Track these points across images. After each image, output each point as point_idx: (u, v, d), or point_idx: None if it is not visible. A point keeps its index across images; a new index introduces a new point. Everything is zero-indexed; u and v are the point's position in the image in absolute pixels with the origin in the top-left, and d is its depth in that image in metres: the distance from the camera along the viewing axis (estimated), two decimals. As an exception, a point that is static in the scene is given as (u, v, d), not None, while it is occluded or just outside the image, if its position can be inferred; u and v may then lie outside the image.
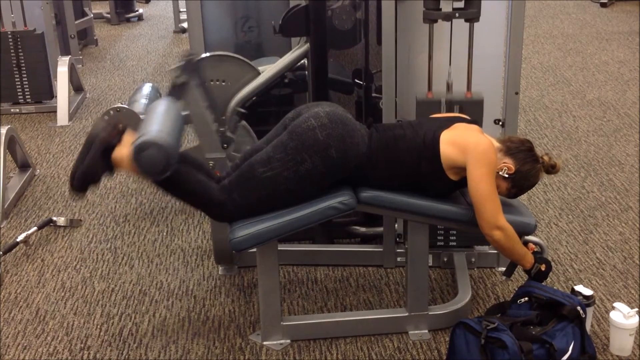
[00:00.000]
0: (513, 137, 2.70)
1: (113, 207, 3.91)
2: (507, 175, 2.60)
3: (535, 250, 2.74)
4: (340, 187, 2.62)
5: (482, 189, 2.51)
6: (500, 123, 3.08)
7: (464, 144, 2.55)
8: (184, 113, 2.88)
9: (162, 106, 2.74)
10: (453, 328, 2.51)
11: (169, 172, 2.48)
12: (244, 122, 3.28)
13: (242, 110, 3.22)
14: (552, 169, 2.66)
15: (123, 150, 2.51)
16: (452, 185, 2.62)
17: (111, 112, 3.68)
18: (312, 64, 3.27)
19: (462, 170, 2.56)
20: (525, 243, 2.74)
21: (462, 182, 2.59)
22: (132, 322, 2.92)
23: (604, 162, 4.28)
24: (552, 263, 2.88)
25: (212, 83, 3.42)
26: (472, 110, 2.90)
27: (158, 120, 2.60)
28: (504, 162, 2.60)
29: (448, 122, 2.65)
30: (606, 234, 3.50)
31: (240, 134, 3.25)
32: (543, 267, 2.66)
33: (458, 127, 2.63)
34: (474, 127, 2.66)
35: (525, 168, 2.61)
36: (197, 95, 3.07)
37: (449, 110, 2.92)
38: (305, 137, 2.52)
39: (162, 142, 2.44)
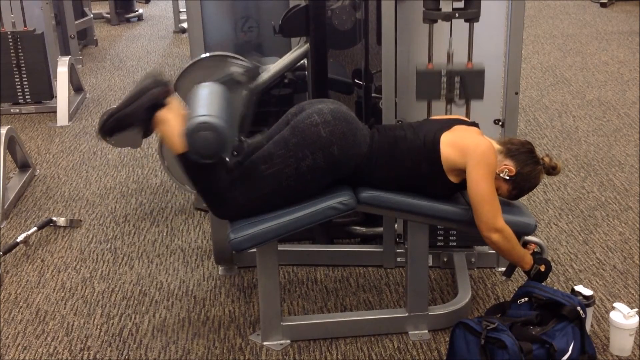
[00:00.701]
0: (514, 139, 2.70)
1: (113, 207, 3.91)
2: (508, 178, 2.60)
3: (535, 250, 2.74)
4: (340, 187, 2.62)
5: (481, 190, 2.51)
6: (500, 123, 3.08)
7: (464, 146, 2.55)
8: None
9: (219, 91, 2.71)
10: (453, 328, 2.51)
11: (216, 159, 2.48)
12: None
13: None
14: (552, 170, 2.66)
15: (169, 115, 2.50)
16: (452, 187, 2.61)
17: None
18: (312, 64, 3.27)
19: (462, 172, 2.56)
20: (525, 243, 2.74)
21: (462, 185, 2.59)
22: (132, 323, 2.92)
23: (604, 162, 4.28)
24: (552, 263, 2.88)
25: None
26: (473, 81, 2.87)
27: (214, 103, 2.57)
28: (505, 164, 2.60)
29: (448, 124, 2.65)
30: (606, 234, 3.50)
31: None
32: (542, 268, 2.66)
33: (458, 129, 2.63)
34: (474, 129, 2.66)
35: (526, 170, 2.61)
36: (240, 98, 3.04)
37: (450, 81, 2.88)
38: (307, 133, 2.52)
39: (219, 127, 2.43)
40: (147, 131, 2.58)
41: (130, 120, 2.52)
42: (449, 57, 2.94)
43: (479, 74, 2.88)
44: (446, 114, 2.95)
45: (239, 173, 2.59)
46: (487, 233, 2.54)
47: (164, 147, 3.48)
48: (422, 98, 2.95)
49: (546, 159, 2.66)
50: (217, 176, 2.56)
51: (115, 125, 2.53)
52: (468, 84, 2.85)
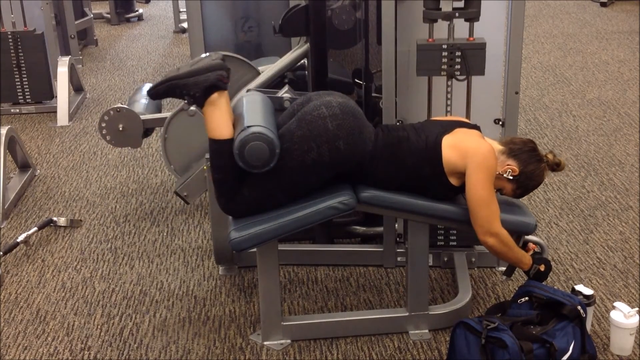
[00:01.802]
0: (515, 139, 2.70)
1: (113, 207, 3.91)
2: (511, 177, 2.60)
3: (535, 250, 2.75)
4: (340, 187, 2.62)
5: (478, 195, 2.52)
6: (501, 123, 3.08)
7: (464, 149, 2.55)
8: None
9: (264, 101, 2.75)
10: (453, 328, 2.51)
11: (264, 169, 2.49)
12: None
13: None
14: (557, 166, 2.66)
15: (222, 99, 2.52)
16: (453, 189, 2.61)
17: (111, 112, 3.68)
18: (312, 64, 3.27)
19: (463, 175, 2.57)
20: (526, 243, 2.74)
21: (464, 187, 2.59)
22: (132, 323, 2.93)
23: (604, 161, 4.28)
24: (553, 263, 2.89)
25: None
26: (474, 55, 2.85)
27: (261, 114, 2.61)
28: (508, 164, 2.61)
29: (450, 126, 2.65)
30: (606, 234, 3.50)
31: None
32: (542, 268, 2.66)
33: (459, 131, 2.63)
34: (475, 132, 2.66)
35: (529, 169, 2.61)
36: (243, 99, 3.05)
37: (451, 56, 2.87)
38: (314, 125, 2.51)
39: (270, 138, 2.46)
40: (201, 102, 2.56)
41: (188, 90, 2.52)
42: (450, 31, 2.91)
43: (481, 48, 2.86)
44: (446, 90, 2.93)
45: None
46: (482, 237, 2.55)
47: (168, 144, 3.47)
48: (423, 73, 2.91)
49: (549, 156, 2.66)
50: (238, 171, 2.55)
51: (169, 89, 2.54)
52: (469, 58, 2.83)
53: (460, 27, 2.88)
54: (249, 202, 2.58)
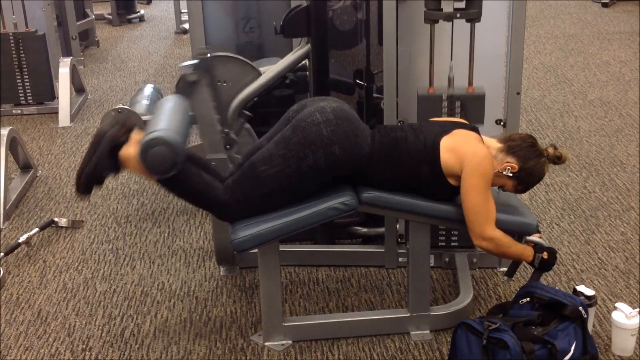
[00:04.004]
0: (514, 135, 2.71)
1: (115, 208, 3.91)
2: (511, 175, 2.61)
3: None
4: (342, 188, 2.62)
5: (472, 200, 2.52)
6: (502, 123, 3.08)
7: (462, 152, 2.55)
8: (190, 113, 2.87)
9: (170, 103, 2.73)
10: (455, 328, 2.51)
11: (175, 170, 2.47)
12: (247, 125, 3.27)
13: (248, 114, 3.21)
14: (558, 159, 2.66)
15: (130, 149, 2.50)
16: (452, 190, 2.61)
17: (112, 113, 3.68)
18: (314, 65, 3.27)
19: (460, 177, 2.57)
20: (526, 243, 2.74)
21: None
22: (133, 323, 2.93)
23: (606, 162, 4.28)
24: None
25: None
26: (473, 106, 2.89)
27: (166, 117, 2.59)
28: (507, 162, 2.61)
29: (448, 128, 2.64)
30: (608, 234, 3.50)
31: (242, 136, 3.25)
32: (545, 255, 2.66)
33: (458, 133, 2.63)
34: (474, 134, 2.65)
35: (529, 165, 2.61)
36: (206, 94, 3.05)
37: (451, 105, 2.91)
38: (309, 131, 2.51)
39: (170, 140, 2.43)
40: (119, 171, 2.57)
41: (100, 169, 2.51)
42: (450, 81, 2.95)
43: (480, 99, 2.90)
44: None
45: (239, 175, 2.60)
46: (476, 241, 2.57)
47: None
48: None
49: (550, 150, 2.66)
50: (210, 188, 2.58)
51: (88, 182, 2.53)
52: (469, 108, 2.87)
53: (461, 27, 2.88)
54: (246, 208, 2.58)
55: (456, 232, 3.18)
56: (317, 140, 2.50)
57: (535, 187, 2.84)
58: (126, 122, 2.57)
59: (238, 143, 3.15)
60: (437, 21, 2.86)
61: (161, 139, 2.43)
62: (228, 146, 3.10)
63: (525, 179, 2.64)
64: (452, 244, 3.20)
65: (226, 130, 3.10)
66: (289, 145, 2.52)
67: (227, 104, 3.33)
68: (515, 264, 2.75)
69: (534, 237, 2.72)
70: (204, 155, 3.05)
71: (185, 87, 3.01)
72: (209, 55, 3.08)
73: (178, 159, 2.46)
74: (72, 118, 5.23)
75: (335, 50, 3.58)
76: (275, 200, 2.58)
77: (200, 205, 2.66)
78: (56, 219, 3.68)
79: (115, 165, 2.53)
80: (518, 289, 2.68)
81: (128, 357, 2.73)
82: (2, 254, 3.37)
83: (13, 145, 4.07)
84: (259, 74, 3.45)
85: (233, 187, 2.58)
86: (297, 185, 2.55)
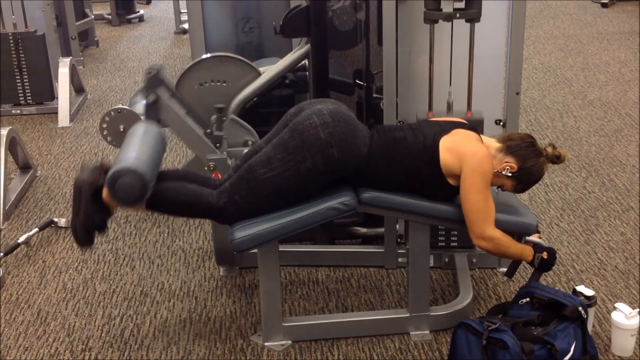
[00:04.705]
0: (513, 135, 2.71)
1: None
2: (510, 174, 2.61)
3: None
4: (341, 188, 2.62)
5: (471, 200, 2.52)
6: (502, 123, 3.08)
7: (461, 152, 2.55)
8: (164, 127, 2.86)
9: (138, 130, 2.74)
10: (454, 329, 2.51)
11: (146, 196, 2.47)
12: (231, 116, 3.25)
13: (221, 106, 3.18)
14: (557, 159, 2.66)
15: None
16: (452, 190, 2.61)
17: (112, 113, 3.67)
18: (313, 65, 3.27)
19: (460, 177, 2.57)
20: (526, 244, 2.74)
21: None
22: (133, 324, 2.93)
23: (605, 162, 4.28)
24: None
25: (212, 84, 3.42)
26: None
27: (131, 146, 2.60)
28: (506, 162, 2.61)
29: (448, 127, 2.64)
30: (607, 235, 3.50)
31: (232, 128, 3.22)
32: (545, 255, 2.66)
33: (457, 133, 2.63)
34: (473, 134, 2.65)
35: (528, 164, 2.61)
36: (173, 107, 3.05)
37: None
38: (306, 135, 2.51)
39: (134, 168, 2.44)
40: (110, 213, 2.60)
41: (91, 219, 2.54)
42: (449, 106, 2.97)
43: (478, 124, 2.90)
44: None
45: (237, 177, 2.60)
46: (476, 241, 2.57)
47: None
48: None
49: (549, 149, 2.66)
50: (199, 197, 2.59)
51: (85, 232, 2.55)
52: None
53: (461, 28, 2.88)
54: (245, 210, 2.59)
55: (456, 233, 3.18)
56: (315, 143, 2.50)
57: (534, 187, 2.84)
58: (101, 165, 2.59)
59: (224, 137, 3.13)
60: (436, 21, 2.86)
61: (124, 169, 2.43)
62: (217, 144, 3.09)
63: (525, 179, 2.64)
64: (452, 244, 3.20)
65: (208, 130, 3.09)
66: (288, 149, 2.53)
67: (226, 104, 3.33)
68: (514, 264, 2.75)
69: (534, 238, 2.72)
70: (203, 165, 3.03)
71: (149, 111, 3.03)
72: (156, 71, 3.08)
73: (146, 184, 2.45)
74: (72, 118, 5.22)
75: (334, 51, 3.58)
76: (275, 203, 2.58)
77: (197, 216, 2.68)
78: (56, 219, 3.68)
79: (103, 208, 2.55)
80: (518, 289, 2.68)
81: (128, 358, 2.73)
82: (1, 254, 3.37)
83: (12, 145, 4.06)
84: (259, 74, 3.46)
85: (231, 190, 2.58)
86: (296, 187, 2.56)
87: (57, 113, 5.21)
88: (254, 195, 2.57)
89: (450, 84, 2.98)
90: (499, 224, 2.57)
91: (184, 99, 3.11)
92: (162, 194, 2.57)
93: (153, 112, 3.02)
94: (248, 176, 2.57)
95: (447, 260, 3.21)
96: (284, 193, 2.56)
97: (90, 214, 2.53)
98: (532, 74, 5.95)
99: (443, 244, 3.21)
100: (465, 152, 2.55)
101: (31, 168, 4.26)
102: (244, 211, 2.58)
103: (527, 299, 2.56)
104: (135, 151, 2.54)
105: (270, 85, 3.46)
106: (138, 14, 8.36)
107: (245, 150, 3.15)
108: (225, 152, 3.13)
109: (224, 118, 3.26)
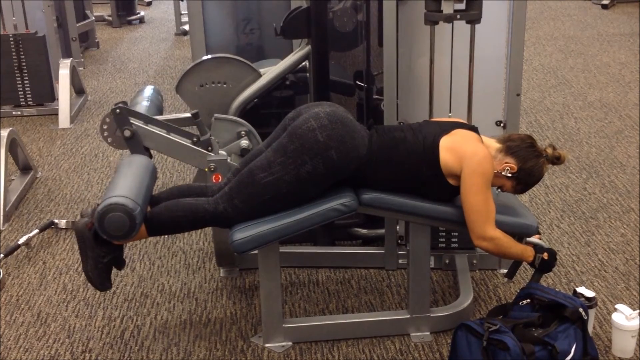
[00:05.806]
0: (513, 135, 2.71)
1: (114, 209, 3.90)
2: (510, 175, 2.61)
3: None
4: (342, 189, 2.62)
5: (472, 199, 2.52)
6: (502, 125, 3.08)
7: (461, 152, 2.55)
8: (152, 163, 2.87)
9: (121, 166, 2.77)
10: (455, 330, 2.51)
11: (137, 225, 2.48)
12: (214, 116, 3.24)
13: (194, 112, 3.18)
14: (557, 160, 2.66)
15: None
16: (452, 190, 2.61)
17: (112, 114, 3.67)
18: (314, 66, 3.27)
19: (460, 177, 2.57)
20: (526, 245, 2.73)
21: None
22: (133, 325, 2.92)
23: (606, 163, 4.28)
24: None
25: (213, 85, 3.42)
26: None
27: (114, 183, 2.62)
28: (506, 162, 2.61)
29: (448, 128, 2.65)
30: (608, 236, 3.50)
31: (219, 127, 3.20)
32: (546, 256, 2.66)
33: (457, 133, 2.63)
34: (473, 135, 2.65)
35: (528, 165, 2.61)
36: (153, 131, 3.07)
37: None
38: (305, 138, 2.52)
39: (115, 202, 2.45)
40: (120, 250, 2.62)
41: (101, 265, 2.56)
42: (449, 107, 2.97)
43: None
44: None
45: (237, 181, 2.60)
46: (476, 241, 2.57)
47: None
48: None
49: (549, 150, 2.66)
50: (195, 208, 2.59)
51: (99, 277, 2.57)
52: None
53: (461, 29, 2.88)
54: (245, 214, 2.59)
55: (456, 234, 3.18)
56: (314, 147, 2.51)
57: (535, 189, 2.84)
58: (96, 208, 2.58)
59: (213, 139, 3.13)
60: (437, 22, 2.86)
61: (107, 207, 2.44)
62: (209, 147, 3.09)
63: (525, 179, 2.64)
64: (452, 245, 3.20)
65: (194, 139, 3.10)
66: (287, 153, 2.53)
67: (227, 106, 3.32)
68: (515, 265, 2.75)
69: (534, 239, 2.72)
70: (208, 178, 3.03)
71: (131, 145, 3.07)
72: (120, 106, 3.09)
73: (135, 216, 2.46)
74: (72, 119, 5.23)
75: (335, 52, 3.58)
76: (276, 206, 2.59)
77: (200, 226, 2.67)
78: (56, 221, 3.68)
79: (110, 248, 2.56)
80: (518, 291, 2.68)
81: (128, 359, 2.73)
82: (2, 255, 3.37)
83: (13, 146, 4.07)
84: (259, 76, 3.46)
85: (231, 194, 2.58)
86: (297, 191, 2.56)
87: (57, 114, 5.22)
88: (254, 199, 2.57)
89: (450, 85, 2.98)
90: (499, 225, 2.57)
91: (156, 121, 3.13)
92: (159, 217, 2.59)
93: (135, 144, 3.06)
94: (248, 180, 2.57)
95: (447, 261, 3.21)
96: (284, 197, 2.56)
97: (98, 256, 2.55)
98: (533, 75, 5.95)
99: (443, 245, 3.21)
100: (466, 152, 2.55)
101: (31, 169, 4.26)
102: (244, 215, 2.58)
103: (528, 300, 2.56)
104: (117, 186, 2.56)
105: (270, 87, 3.46)
106: (138, 15, 8.36)
107: (243, 142, 3.17)
108: (222, 152, 3.12)
109: (216, 115, 3.25)
